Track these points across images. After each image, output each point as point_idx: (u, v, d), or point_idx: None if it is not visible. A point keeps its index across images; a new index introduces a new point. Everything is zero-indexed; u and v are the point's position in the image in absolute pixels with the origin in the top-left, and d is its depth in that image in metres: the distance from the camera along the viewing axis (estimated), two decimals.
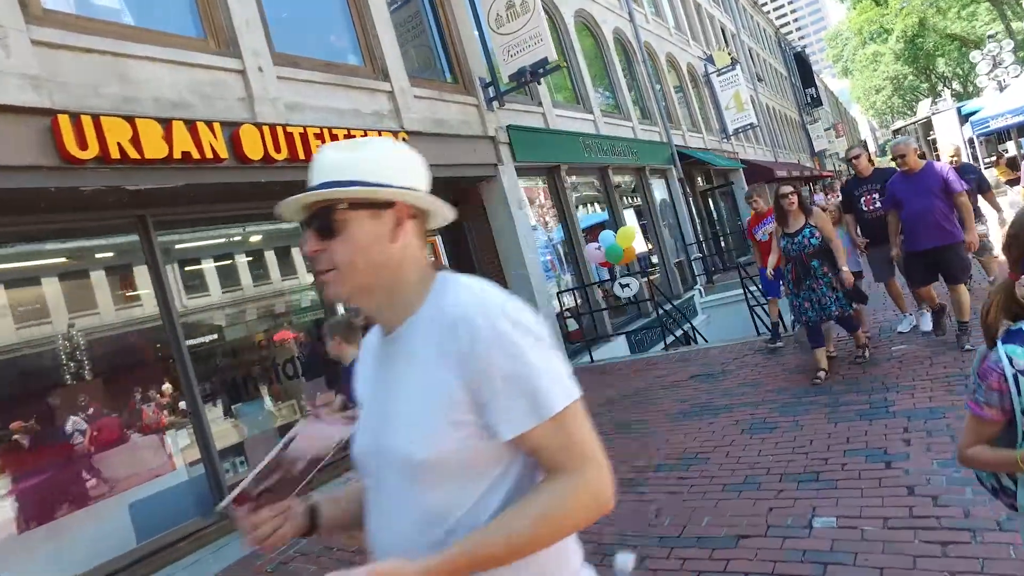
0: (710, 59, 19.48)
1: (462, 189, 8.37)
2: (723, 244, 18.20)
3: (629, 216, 11.90)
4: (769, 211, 5.73)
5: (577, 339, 9.27)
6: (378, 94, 6.61)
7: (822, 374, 4.89)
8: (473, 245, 8.45)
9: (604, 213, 11.07)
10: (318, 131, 5.57)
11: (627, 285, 7.69)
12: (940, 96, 40.31)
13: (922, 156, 4.97)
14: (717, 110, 19.63)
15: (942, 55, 47.45)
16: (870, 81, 56.56)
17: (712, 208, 18.43)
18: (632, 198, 12.50)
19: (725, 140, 19.66)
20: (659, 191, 13.78)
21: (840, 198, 5.95)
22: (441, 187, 7.74)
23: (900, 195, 4.77)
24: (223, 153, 4.76)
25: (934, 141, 24.79)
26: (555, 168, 9.50)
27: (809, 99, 41.79)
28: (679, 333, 11.48)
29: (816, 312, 4.82)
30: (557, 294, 8.78)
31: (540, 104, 9.52)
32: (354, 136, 5.93)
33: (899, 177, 4.87)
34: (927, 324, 5.35)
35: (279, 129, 5.22)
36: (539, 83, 7.82)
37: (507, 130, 8.34)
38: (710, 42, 21.78)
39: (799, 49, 44.97)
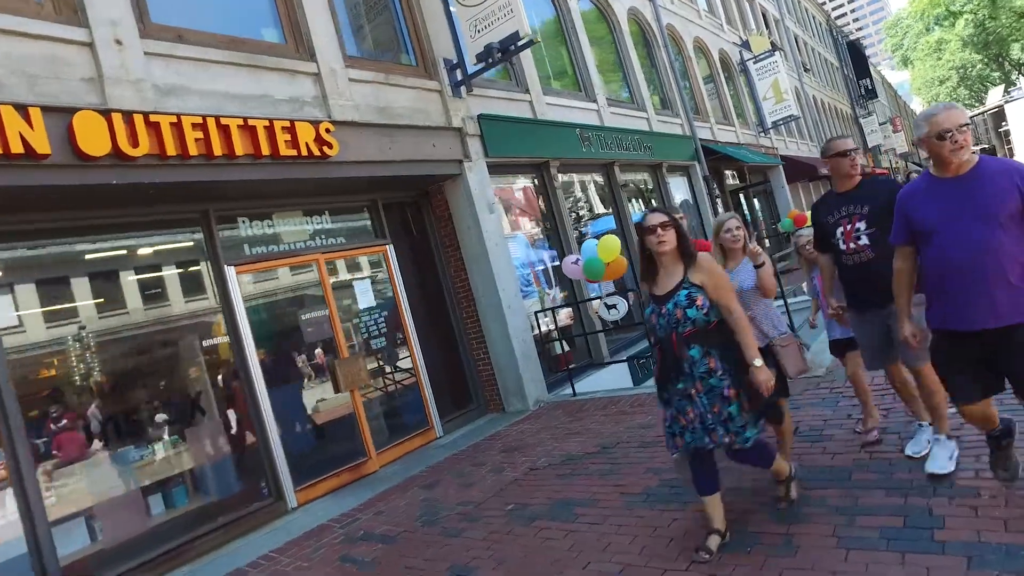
0: (746, 44, 17.70)
1: (425, 190, 7.19)
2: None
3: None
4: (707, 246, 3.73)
5: (562, 367, 7.96)
6: (300, 76, 5.48)
7: (713, 543, 2.81)
8: (439, 255, 7.25)
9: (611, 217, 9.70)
10: (199, 120, 4.47)
11: (614, 306, 6.33)
12: (1015, 85, 36.72)
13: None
14: (754, 101, 17.84)
15: (1017, 39, 43.38)
16: (933, 71, 52.52)
17: (745, 209, 16.68)
18: (645, 199, 11.04)
19: (763, 134, 17.84)
20: (680, 190, 12.27)
21: None
22: (388, 186, 6.58)
23: (925, 217, 2.52)
24: (43, 148, 3.70)
25: (1007, 133, 22.11)
26: (544, 164, 8.20)
27: (863, 91, 38.83)
28: None
29: (696, 435, 2.78)
30: (539, 313, 7.47)
31: (527, 91, 8.23)
32: (254, 127, 4.83)
33: (925, 183, 2.60)
34: (950, 460, 3.01)
35: (138, 118, 4.14)
36: (511, 63, 6.58)
37: (478, 120, 7.10)
38: (748, 27, 19.92)
39: (853, 38, 41.93)
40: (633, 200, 10.65)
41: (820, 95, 29.33)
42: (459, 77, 6.92)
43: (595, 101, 9.72)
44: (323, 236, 6.12)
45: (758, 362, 2.66)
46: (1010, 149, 21.16)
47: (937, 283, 2.52)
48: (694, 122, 12.92)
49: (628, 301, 6.37)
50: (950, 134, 2.40)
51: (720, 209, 14.12)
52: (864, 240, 3.11)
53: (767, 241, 16.61)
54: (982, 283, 2.35)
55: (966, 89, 51.89)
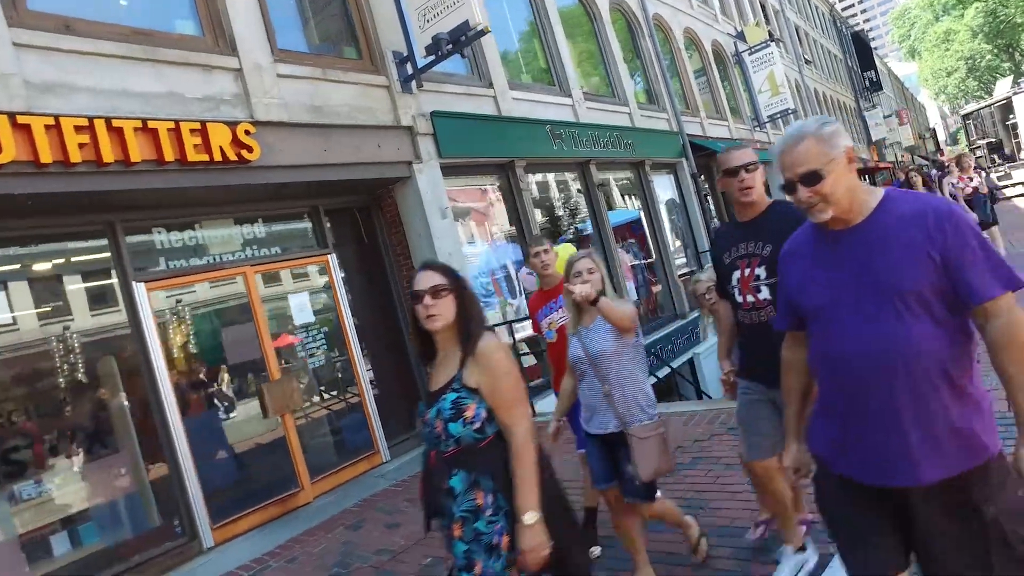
0: (741, 36, 17.04)
1: (375, 194, 6.68)
2: None
3: (619, 217, 9.92)
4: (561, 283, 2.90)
5: (533, 377, 7.47)
6: (217, 72, 4.97)
7: None
8: (390, 264, 6.75)
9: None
10: (85, 123, 3.97)
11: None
12: None
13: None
14: (749, 95, 17.20)
15: None
16: (941, 62, 51.35)
17: None
18: (626, 198, 10.49)
19: (758, 129, 17.21)
20: (665, 189, 11.70)
21: None
22: (330, 191, 6.06)
23: (803, 289, 1.64)
24: None
25: (1014, 126, 21.29)
26: (509, 164, 7.67)
27: (868, 83, 37.95)
28: (682, 364, 9.49)
29: None
30: (498, 325, 6.95)
31: (490, 85, 7.69)
32: (155, 130, 4.32)
33: (811, 236, 1.66)
34: None
35: (1, 119, 3.65)
36: (472, 55, 6.05)
37: (431, 118, 6.57)
38: (745, 18, 19.24)
39: (860, 29, 41.00)
40: (613, 199, 10.11)
41: (822, 88, 28.57)
42: (409, 71, 6.39)
43: (569, 96, 9.16)
44: (255, 246, 5.62)
45: (530, 517, 1.73)
46: (1018, 143, 20.41)
47: (826, 396, 1.61)
48: (681, 117, 12.33)
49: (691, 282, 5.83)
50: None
51: (712, 209, 13.56)
52: (765, 293, 2.31)
53: None
54: (891, 411, 1.44)
55: (975, 80, 50.70)
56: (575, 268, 2.63)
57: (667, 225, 10.91)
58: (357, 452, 5.96)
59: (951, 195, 9.23)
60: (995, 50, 47.47)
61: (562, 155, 8.43)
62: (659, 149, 11.25)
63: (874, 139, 35.48)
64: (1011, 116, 20.64)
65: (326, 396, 6.01)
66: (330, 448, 5.86)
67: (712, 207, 13.69)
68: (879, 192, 1.56)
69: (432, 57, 6.15)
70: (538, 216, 8.12)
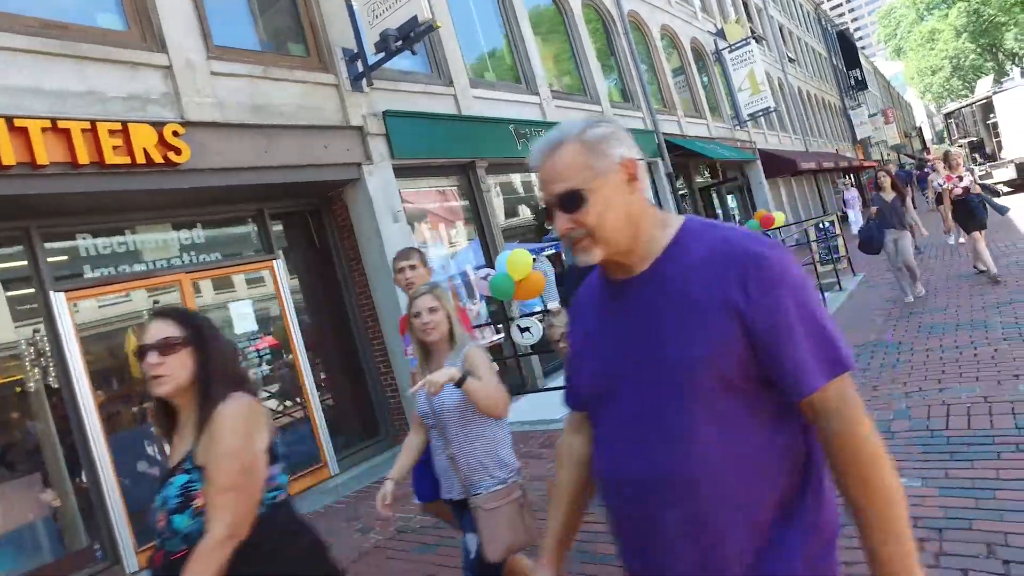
0: (721, 33, 16.87)
1: (326, 196, 6.43)
2: None
3: None
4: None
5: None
6: (144, 70, 4.69)
7: None
8: (342, 270, 6.50)
9: None
10: None
11: (527, 329, 5.60)
12: (1007, 76, 35.90)
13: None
14: (730, 93, 17.05)
15: (1010, 28, 42.56)
16: (925, 61, 51.64)
17: (718, 207, 15.93)
18: None
19: (738, 127, 17.06)
20: None
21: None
22: (274, 195, 5.81)
23: (582, 376, 1.19)
24: None
25: (995, 125, 21.27)
26: (469, 165, 7.43)
27: (853, 82, 37.98)
28: None
29: None
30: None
31: (450, 83, 7.45)
32: (67, 130, 4.05)
33: (594, 287, 1.21)
34: None
35: None
36: (412, 52, 5.80)
37: (383, 117, 6.32)
38: (726, 15, 19.08)
39: (847, 28, 41.03)
40: None
41: (807, 87, 28.52)
42: (360, 69, 6.13)
43: (536, 93, 8.94)
44: (192, 253, 5.36)
45: None
46: (999, 142, 20.42)
47: (607, 509, 1.15)
48: (657, 116, 12.14)
49: (543, 324, 5.62)
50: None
51: (689, 208, 13.38)
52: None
53: None
54: (669, 538, 1.01)
55: (959, 79, 51.02)
56: (414, 307, 2.22)
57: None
58: (305, 466, 5.71)
59: (936, 195, 8.94)
60: (979, 49, 47.77)
61: (527, 155, 8.17)
62: None
63: (859, 137, 35.53)
64: (991, 115, 20.64)
65: (270, 408, 5.76)
66: None
67: (690, 207, 13.52)
68: (675, 225, 1.08)
69: (381, 54, 5.90)
70: (501, 218, 7.89)
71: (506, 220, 8.10)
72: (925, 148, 60.35)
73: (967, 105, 23.68)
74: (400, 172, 6.54)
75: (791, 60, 26.33)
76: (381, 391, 6.47)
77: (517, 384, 7.23)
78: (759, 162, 17.83)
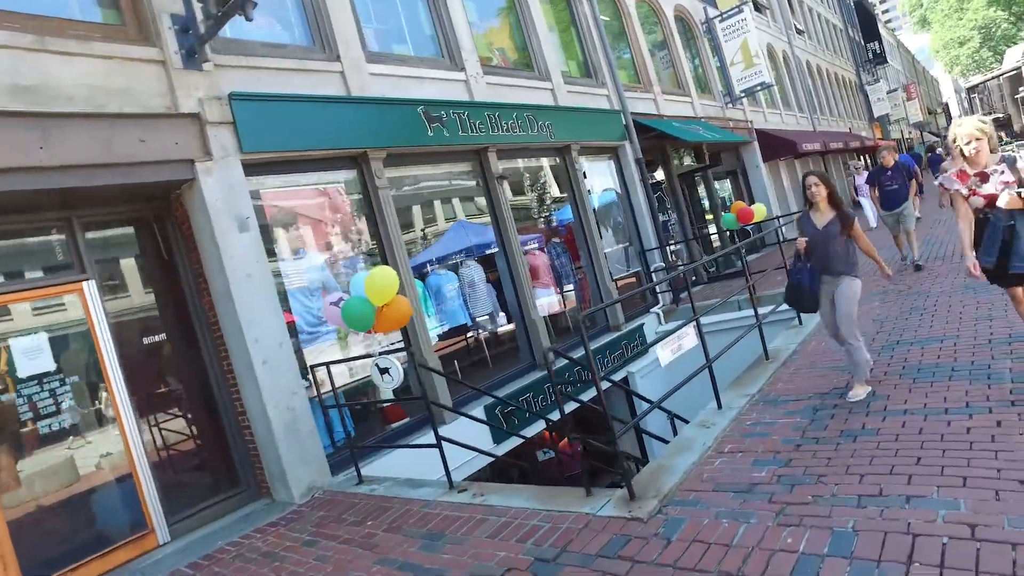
0: (711, 1, 15.25)
1: (167, 201, 5.26)
2: (717, 245, 14.29)
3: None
4: None
5: (396, 419, 6.13)
6: None
7: None
8: (190, 290, 5.34)
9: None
10: None
11: (386, 370, 4.38)
12: None
13: None
14: (721, 67, 15.46)
15: None
16: (953, 32, 48.54)
17: (704, 196, 14.48)
18: (543, 191, 8.98)
19: (730, 105, 15.50)
20: (601, 178, 10.16)
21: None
22: (85, 200, 4.64)
23: None
24: None
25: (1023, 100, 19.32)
26: (362, 156, 6.19)
27: (871, 56, 35.66)
28: (609, 387, 8.06)
29: None
30: (336, 363, 5.49)
31: (337, 58, 6.18)
32: None
33: None
34: None
35: None
36: (249, 18, 4.56)
37: (228, 101, 5.11)
38: None
39: None
40: (525, 193, 8.61)
41: (817, 60, 26.56)
42: (192, 40, 4.91)
43: (462, 69, 7.62)
44: None
45: None
46: None
47: None
48: (626, 93, 10.72)
49: (403, 365, 4.42)
50: None
51: (667, 199, 11.98)
52: None
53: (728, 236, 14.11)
54: None
55: (989, 50, 47.83)
56: None
57: (594, 220, 9.37)
58: (122, 535, 4.62)
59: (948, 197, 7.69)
60: (1012, 17, 44.64)
61: (444, 142, 6.92)
62: (593, 131, 9.68)
63: (877, 115, 33.38)
64: (1021, 89, 18.64)
65: (71, 468, 4.65)
66: (73, 536, 4.51)
67: (668, 198, 12.13)
68: None
69: (210, 22, 4.65)
70: (406, 219, 6.66)
71: (411, 221, 6.88)
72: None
73: (993, 77, 21.59)
74: (257, 169, 5.35)
75: (799, 32, 24.42)
76: (240, 435, 5.34)
77: None
78: (756, 144, 16.26)
